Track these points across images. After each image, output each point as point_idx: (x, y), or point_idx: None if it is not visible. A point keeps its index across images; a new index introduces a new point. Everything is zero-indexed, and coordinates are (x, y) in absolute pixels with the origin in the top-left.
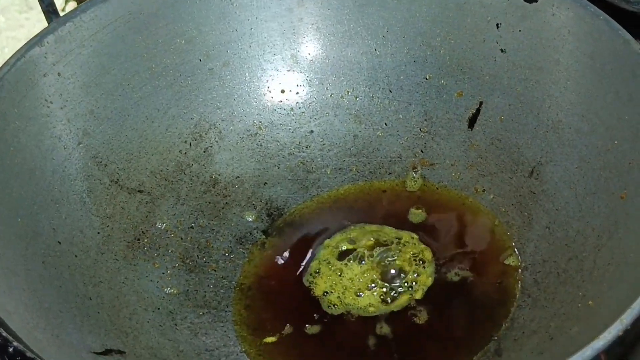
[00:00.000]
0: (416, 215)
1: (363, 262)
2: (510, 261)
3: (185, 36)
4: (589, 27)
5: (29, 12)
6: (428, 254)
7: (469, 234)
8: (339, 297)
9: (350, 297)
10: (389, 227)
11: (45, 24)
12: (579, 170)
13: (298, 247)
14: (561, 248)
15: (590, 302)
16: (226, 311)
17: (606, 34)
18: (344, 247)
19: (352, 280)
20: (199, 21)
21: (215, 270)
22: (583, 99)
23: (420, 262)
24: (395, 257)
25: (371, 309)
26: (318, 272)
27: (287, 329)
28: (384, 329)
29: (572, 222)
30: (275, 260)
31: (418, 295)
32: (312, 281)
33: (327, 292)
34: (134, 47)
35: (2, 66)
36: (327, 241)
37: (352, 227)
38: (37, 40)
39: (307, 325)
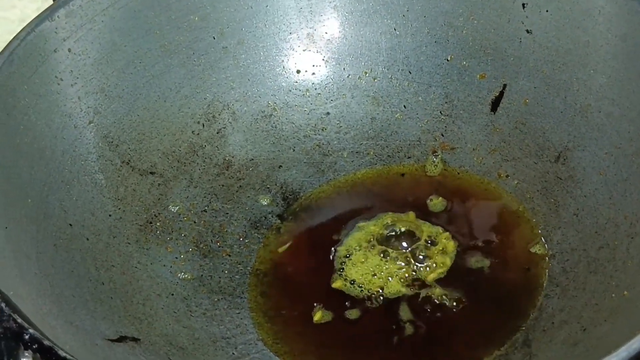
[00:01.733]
0: (436, 202)
1: (388, 249)
2: (537, 249)
3: (199, 13)
4: (621, 7)
5: None
6: (451, 245)
7: (493, 221)
8: (361, 284)
9: (374, 284)
10: (419, 220)
11: (37, 5)
12: (609, 156)
13: (314, 232)
14: (591, 236)
15: (625, 293)
16: (242, 298)
17: (639, 14)
18: (371, 234)
19: (376, 267)
20: None
21: (229, 256)
22: (614, 82)
23: (445, 251)
24: (422, 247)
25: (395, 296)
26: (347, 257)
27: (306, 315)
28: (408, 318)
29: (602, 209)
30: (291, 246)
31: (436, 276)
32: (338, 267)
33: (347, 277)
34: (147, 23)
35: (11, 40)
36: (360, 224)
37: (384, 215)
38: (48, 14)
39: (326, 312)
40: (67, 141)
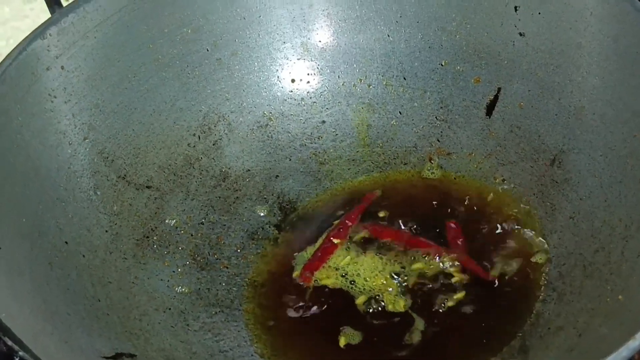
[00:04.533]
0: (435, 209)
1: (384, 256)
2: (537, 258)
3: (191, 25)
4: (613, 8)
5: (33, 2)
6: (451, 265)
7: (490, 227)
8: (363, 296)
9: (374, 297)
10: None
11: (49, 15)
12: (604, 158)
13: (312, 242)
14: (586, 239)
15: (619, 297)
16: (239, 310)
17: (631, 15)
18: (366, 248)
19: (375, 281)
20: (206, 9)
21: (227, 268)
22: (607, 84)
23: (443, 260)
24: (426, 258)
25: (394, 307)
26: (349, 265)
27: (302, 326)
28: (407, 324)
29: (598, 212)
30: (289, 256)
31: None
32: (341, 281)
33: (347, 290)
34: (139, 37)
35: (3, 59)
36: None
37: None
38: (40, 32)
39: (324, 326)
40: (62, 158)
